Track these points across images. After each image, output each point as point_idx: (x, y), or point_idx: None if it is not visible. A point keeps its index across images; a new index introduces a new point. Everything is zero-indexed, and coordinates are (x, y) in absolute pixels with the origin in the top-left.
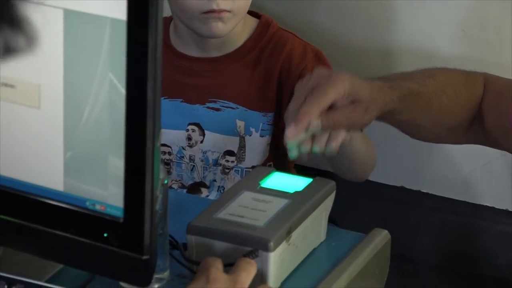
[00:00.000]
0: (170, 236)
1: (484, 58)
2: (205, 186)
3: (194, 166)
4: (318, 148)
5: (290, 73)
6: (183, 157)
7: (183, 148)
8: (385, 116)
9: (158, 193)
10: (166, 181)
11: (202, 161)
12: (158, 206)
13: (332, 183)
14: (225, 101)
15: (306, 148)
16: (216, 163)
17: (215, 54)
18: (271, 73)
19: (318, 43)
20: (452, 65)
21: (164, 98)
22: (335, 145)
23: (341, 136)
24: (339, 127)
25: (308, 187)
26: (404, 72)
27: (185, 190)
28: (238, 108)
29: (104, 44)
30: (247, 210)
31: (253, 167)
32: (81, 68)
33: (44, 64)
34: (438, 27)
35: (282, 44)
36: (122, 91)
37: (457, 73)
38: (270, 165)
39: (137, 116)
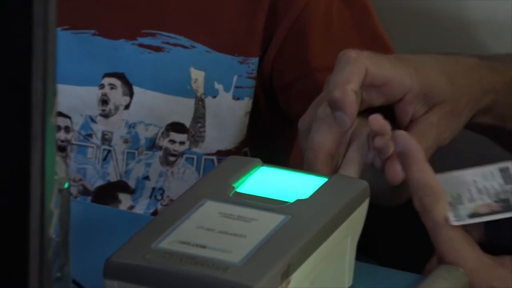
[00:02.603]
0: (75, 281)
1: None
2: (126, 189)
3: (109, 152)
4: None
5: None
6: (90, 135)
7: (93, 120)
8: (477, 119)
9: (53, 207)
10: (67, 185)
11: (126, 142)
12: (53, 229)
13: (364, 185)
14: (172, 35)
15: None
16: (152, 145)
17: None
18: None
19: None
20: None
21: (63, 29)
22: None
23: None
24: (427, 154)
25: (320, 192)
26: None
27: (89, 199)
28: (194, 47)
29: None
30: (212, 234)
31: (218, 153)
32: None
33: None
34: None
35: None
36: None
37: None
38: (246, 153)
39: (13, 69)
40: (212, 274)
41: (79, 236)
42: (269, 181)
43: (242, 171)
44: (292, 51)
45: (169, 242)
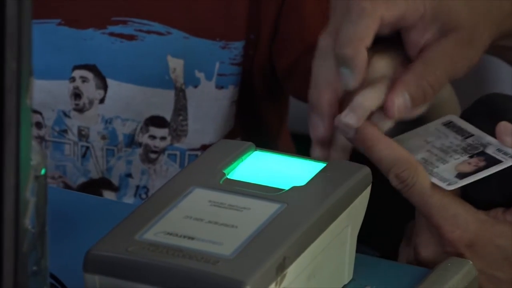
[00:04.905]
0: (53, 276)
1: None
2: (110, 186)
3: (88, 149)
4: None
5: None
6: (65, 131)
7: (66, 115)
8: (499, 43)
9: (29, 195)
10: (43, 171)
11: (104, 138)
12: (29, 220)
13: (366, 171)
14: (144, 21)
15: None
16: (131, 142)
17: None
18: None
19: None
20: None
21: None
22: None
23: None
24: (436, 85)
25: (317, 178)
26: None
27: None
28: (170, 33)
29: None
30: (201, 225)
31: (203, 148)
32: None
33: None
34: None
35: None
36: None
37: None
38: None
39: None
40: (201, 268)
41: (57, 226)
42: (263, 167)
43: (234, 156)
44: (289, 29)
45: (155, 233)
